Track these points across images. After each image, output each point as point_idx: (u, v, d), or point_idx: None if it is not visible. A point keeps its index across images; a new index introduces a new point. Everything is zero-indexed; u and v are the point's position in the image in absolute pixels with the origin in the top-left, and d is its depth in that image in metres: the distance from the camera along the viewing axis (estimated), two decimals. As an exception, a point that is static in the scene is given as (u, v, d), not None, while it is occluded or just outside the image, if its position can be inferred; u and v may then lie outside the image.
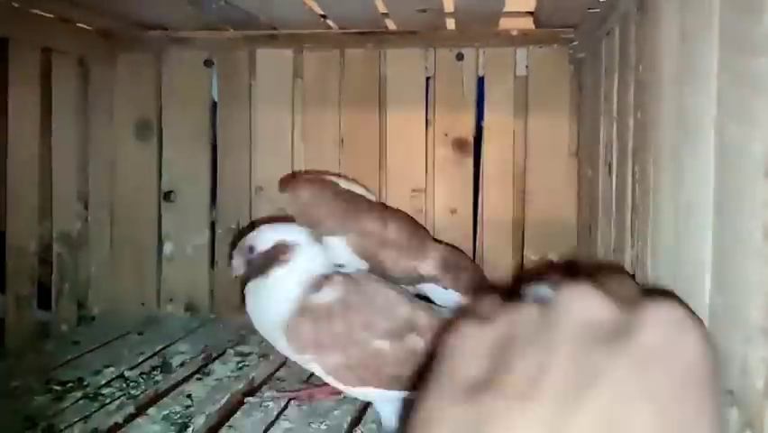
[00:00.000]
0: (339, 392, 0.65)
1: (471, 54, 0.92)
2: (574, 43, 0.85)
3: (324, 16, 0.87)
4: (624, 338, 0.25)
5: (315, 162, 0.97)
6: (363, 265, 0.73)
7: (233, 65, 0.98)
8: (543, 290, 0.33)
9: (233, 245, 0.69)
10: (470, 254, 0.93)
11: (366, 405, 0.67)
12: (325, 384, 0.64)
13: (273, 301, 0.59)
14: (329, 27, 0.92)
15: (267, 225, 0.65)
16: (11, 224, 0.81)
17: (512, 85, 0.91)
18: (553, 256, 0.91)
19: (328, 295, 0.58)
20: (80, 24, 0.92)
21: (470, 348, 0.28)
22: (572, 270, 0.89)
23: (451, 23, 0.88)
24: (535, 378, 0.24)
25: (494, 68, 0.92)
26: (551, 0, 0.73)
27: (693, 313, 0.31)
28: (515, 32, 0.88)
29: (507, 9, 0.80)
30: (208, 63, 0.99)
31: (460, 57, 0.92)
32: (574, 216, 0.90)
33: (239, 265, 0.63)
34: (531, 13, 0.85)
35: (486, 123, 0.93)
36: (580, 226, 0.88)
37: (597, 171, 0.73)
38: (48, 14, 0.85)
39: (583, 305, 0.27)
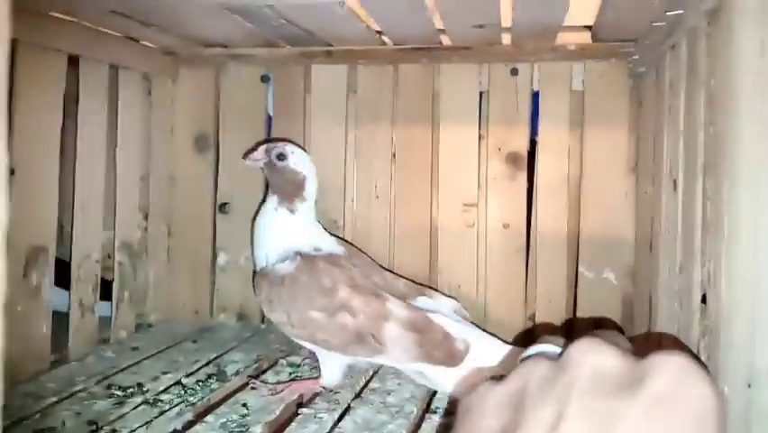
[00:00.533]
0: (318, 392, 0.74)
1: (526, 69, 0.91)
2: (634, 57, 0.83)
3: (380, 33, 0.88)
4: (635, 386, 0.26)
5: (366, 176, 0.98)
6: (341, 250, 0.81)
7: (289, 80, 1.00)
8: (548, 347, 0.35)
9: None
10: (523, 270, 0.92)
11: (421, 420, 0.66)
12: (306, 379, 0.76)
13: (261, 252, 0.78)
14: (384, 43, 0.93)
15: (303, 152, 0.80)
16: (77, 231, 0.84)
17: (568, 99, 0.90)
18: (610, 273, 0.88)
19: (286, 268, 0.73)
20: (145, 42, 0.96)
21: (487, 405, 0.30)
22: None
23: (506, 39, 0.88)
24: (553, 427, 0.26)
25: (549, 82, 0.91)
26: (611, 14, 0.72)
27: (699, 360, 0.32)
28: (572, 47, 0.87)
29: (564, 24, 0.79)
30: (265, 79, 1.01)
31: (514, 72, 0.92)
32: (632, 232, 0.88)
33: (259, 158, 0.77)
34: (589, 28, 0.84)
35: (540, 137, 0.92)
36: (638, 244, 0.86)
37: (659, 187, 0.71)
38: (116, 33, 0.89)
39: (594, 356, 0.28)
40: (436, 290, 0.87)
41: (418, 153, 0.96)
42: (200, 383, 0.76)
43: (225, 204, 1.03)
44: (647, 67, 0.80)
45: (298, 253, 0.74)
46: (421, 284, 0.86)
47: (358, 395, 0.73)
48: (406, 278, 0.84)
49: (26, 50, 0.74)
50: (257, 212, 0.82)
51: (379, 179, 0.97)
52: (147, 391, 0.72)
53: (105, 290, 0.90)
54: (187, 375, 0.78)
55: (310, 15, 0.77)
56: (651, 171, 0.77)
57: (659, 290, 0.69)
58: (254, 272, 0.81)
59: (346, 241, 0.89)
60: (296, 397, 0.73)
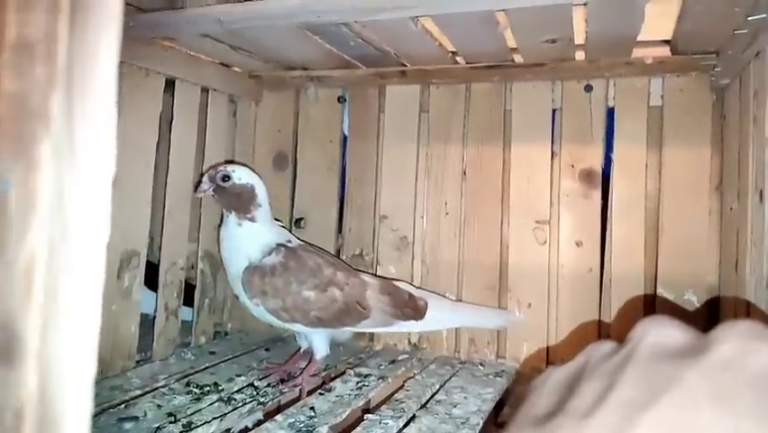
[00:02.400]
0: (318, 372, 0.84)
1: (601, 85, 0.90)
2: (716, 69, 0.80)
3: (454, 52, 0.90)
4: (697, 355, 0.25)
5: (437, 194, 0.99)
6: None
7: (364, 101, 1.04)
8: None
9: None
10: (597, 289, 0.89)
11: (484, 428, 0.65)
12: (306, 368, 0.84)
13: (241, 256, 0.82)
14: (456, 62, 0.95)
15: (243, 167, 0.87)
16: (165, 239, 0.90)
17: (645, 116, 0.88)
18: (691, 295, 0.84)
19: (273, 259, 0.80)
20: (234, 67, 1.04)
21: (548, 385, 0.31)
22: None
23: (580, 55, 0.87)
24: (601, 396, 0.25)
25: (626, 98, 0.89)
26: (690, 25, 0.71)
27: None
28: (649, 61, 0.85)
29: (640, 38, 0.78)
30: (341, 99, 1.06)
31: (588, 88, 0.91)
32: (715, 252, 0.83)
33: (207, 187, 0.83)
34: (667, 42, 0.82)
35: (616, 155, 0.90)
36: (723, 263, 0.81)
37: (745, 203, 0.68)
38: (208, 58, 0.97)
39: (656, 330, 0.28)
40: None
41: (489, 171, 0.96)
42: (271, 387, 0.78)
43: (301, 219, 1.07)
44: (730, 78, 0.77)
45: (279, 245, 0.82)
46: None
47: (423, 406, 0.73)
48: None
49: (130, 72, 0.82)
50: (218, 234, 0.88)
51: (449, 197, 0.98)
52: (222, 390, 0.76)
53: (188, 296, 0.96)
54: (260, 379, 0.81)
55: (385, 33, 0.81)
56: (736, 187, 0.73)
57: (745, 311, 0.65)
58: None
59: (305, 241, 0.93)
60: (362, 403, 0.74)
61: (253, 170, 0.88)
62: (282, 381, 0.81)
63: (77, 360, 0.23)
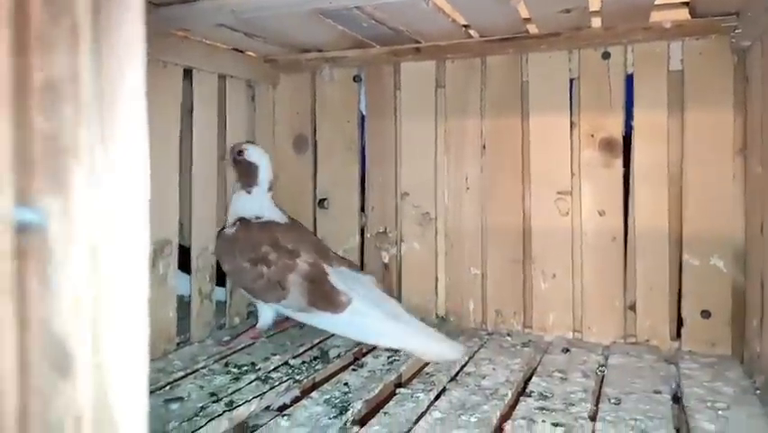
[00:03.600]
0: (257, 337, 0.92)
1: (619, 52, 0.89)
2: (737, 31, 0.79)
3: (466, 26, 0.90)
4: None
5: (457, 169, 1.00)
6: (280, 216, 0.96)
7: (380, 79, 1.04)
8: None
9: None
10: (622, 258, 0.90)
11: (516, 401, 0.68)
12: (249, 329, 0.95)
13: (227, 219, 0.95)
14: (470, 36, 0.94)
15: (258, 147, 0.96)
16: (195, 226, 0.93)
17: (665, 81, 0.87)
18: (717, 260, 0.84)
19: (231, 230, 0.92)
20: (249, 52, 1.05)
21: None
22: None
23: (596, 22, 0.86)
24: None
25: (644, 64, 0.88)
26: (709, -13, 0.69)
27: None
28: (668, 25, 0.84)
29: (658, 1, 0.77)
30: (357, 79, 1.06)
31: (606, 55, 0.90)
32: (741, 216, 0.83)
33: (228, 157, 0.95)
34: (686, 4, 0.81)
35: (636, 122, 0.89)
36: (748, 227, 0.81)
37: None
38: (224, 46, 0.98)
39: None
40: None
41: (508, 144, 0.96)
42: (305, 364, 0.81)
43: (324, 199, 1.09)
44: (752, 40, 0.76)
45: (241, 219, 0.92)
46: (351, 262, 0.98)
47: (453, 378, 0.75)
48: (339, 255, 0.97)
49: (148, 66, 0.83)
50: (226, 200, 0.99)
51: (469, 172, 0.99)
52: (259, 369, 0.79)
53: (221, 277, 0.99)
54: (294, 357, 0.84)
55: (397, 14, 0.81)
56: (759, 150, 0.73)
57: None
58: None
59: (293, 220, 0.98)
60: (393, 378, 0.76)
61: (266, 153, 0.96)
62: (223, 342, 0.91)
63: (131, 364, 0.25)
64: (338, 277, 0.87)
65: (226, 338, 0.93)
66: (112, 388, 0.25)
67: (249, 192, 0.94)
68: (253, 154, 0.94)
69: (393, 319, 0.84)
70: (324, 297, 0.85)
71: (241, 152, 0.94)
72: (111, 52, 0.24)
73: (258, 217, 0.93)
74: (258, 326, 0.94)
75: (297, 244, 0.91)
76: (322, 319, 0.86)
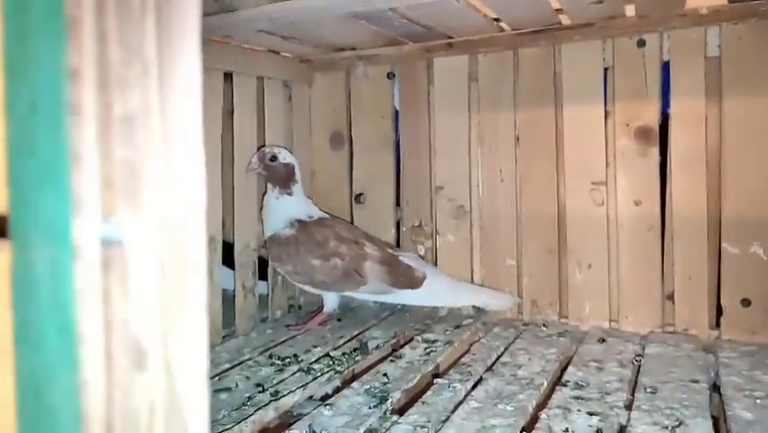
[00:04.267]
0: (326, 322, 0.98)
1: (654, 39, 0.88)
2: (777, 15, 0.77)
3: (497, 20, 0.91)
4: None
5: (491, 162, 1.01)
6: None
7: (413, 75, 1.06)
8: None
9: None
10: (659, 248, 0.89)
11: (551, 390, 0.69)
12: (313, 316, 1.00)
13: (269, 223, 0.97)
14: (502, 30, 0.95)
15: (284, 148, 0.99)
16: (237, 224, 0.97)
17: (702, 67, 0.86)
18: (757, 248, 0.83)
19: (289, 231, 0.95)
20: (285, 54, 1.08)
21: None
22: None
23: (630, 10, 0.86)
24: None
25: (681, 51, 0.87)
26: (745, -28, 0.68)
27: None
28: (704, 11, 0.82)
29: (693, -13, 0.76)
30: (390, 76, 1.08)
31: (641, 43, 0.89)
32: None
33: (256, 164, 0.95)
34: (722, -11, 0.80)
35: (673, 110, 0.88)
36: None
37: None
38: (261, 48, 1.01)
39: None
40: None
41: (542, 135, 0.97)
42: (345, 355, 0.84)
43: (360, 195, 1.11)
44: (792, 23, 0.74)
45: (296, 221, 0.95)
46: (392, 245, 1.05)
47: (489, 368, 0.77)
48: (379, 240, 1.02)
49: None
50: (262, 201, 1.00)
51: (503, 164, 1.00)
52: (301, 360, 0.83)
53: (263, 271, 1.03)
54: (335, 348, 0.87)
55: (428, 12, 0.82)
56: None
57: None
58: (264, 242, 1.00)
59: (330, 213, 1.03)
60: (431, 368, 0.79)
61: (291, 152, 1.00)
62: (289, 326, 0.98)
63: (194, 356, 0.29)
64: (405, 257, 0.97)
65: (290, 324, 0.99)
66: (178, 378, 0.28)
67: (290, 194, 0.97)
68: (287, 156, 0.97)
69: (456, 284, 0.99)
70: (404, 276, 0.94)
71: (274, 158, 0.95)
72: (173, 86, 0.27)
73: (310, 216, 0.97)
74: (325, 310, 0.99)
75: (357, 235, 0.98)
76: (402, 296, 0.95)
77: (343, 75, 1.11)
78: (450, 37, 0.98)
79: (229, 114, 0.97)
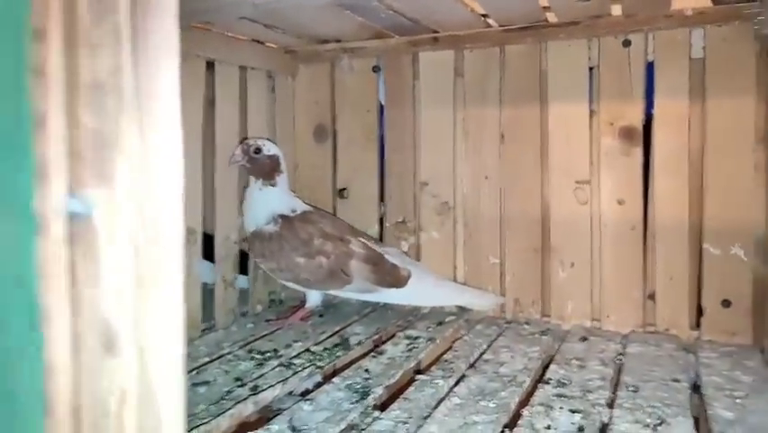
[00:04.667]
0: (308, 318, 0.97)
1: (640, 39, 0.88)
2: (760, 18, 0.78)
3: (484, 15, 0.90)
4: None
5: (476, 158, 1.00)
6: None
7: (398, 69, 1.05)
8: None
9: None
10: (641, 247, 0.90)
11: (534, 388, 0.69)
12: (295, 311, 0.98)
13: (251, 217, 0.94)
14: (489, 26, 0.94)
15: (267, 140, 0.96)
16: (218, 216, 0.95)
17: (687, 68, 0.86)
18: (738, 249, 0.84)
19: (272, 228, 0.92)
20: (269, 44, 1.06)
21: None
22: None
23: (617, 10, 0.86)
24: None
25: (665, 52, 0.87)
26: (732, -26, 0.69)
27: None
28: (689, 13, 0.83)
29: (679, -12, 0.76)
30: (376, 69, 1.07)
31: (627, 43, 0.89)
32: (763, 206, 0.82)
33: (240, 157, 0.92)
34: (708, -9, 0.80)
35: (656, 110, 0.89)
36: (769, 216, 0.81)
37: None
38: (244, 37, 0.99)
39: None
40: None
41: (527, 133, 0.96)
42: (327, 351, 0.83)
43: (344, 189, 1.10)
44: (776, 27, 0.75)
45: (279, 216, 0.93)
46: (375, 238, 1.05)
47: (472, 365, 0.76)
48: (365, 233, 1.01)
49: (173, 59, 0.85)
50: (243, 194, 0.98)
51: (488, 161, 0.99)
52: (282, 355, 0.81)
53: (244, 265, 1.01)
54: (316, 344, 0.86)
55: (415, 4, 0.81)
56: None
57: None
58: (246, 237, 0.98)
59: (314, 206, 1.02)
60: (413, 364, 0.78)
61: (274, 143, 0.98)
62: (270, 320, 0.97)
63: (170, 343, 0.27)
64: (389, 254, 0.95)
65: (271, 318, 0.98)
66: (151, 365, 0.26)
67: (273, 185, 0.94)
68: (271, 148, 0.95)
69: (441, 282, 0.98)
70: (389, 275, 0.93)
71: (258, 150, 0.93)
72: (147, 50, 0.25)
73: (293, 210, 0.95)
74: (307, 306, 0.98)
75: (342, 231, 0.96)
76: (386, 295, 0.94)
77: (328, 67, 1.10)
78: (436, 31, 0.97)
79: (210, 103, 0.95)
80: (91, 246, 0.24)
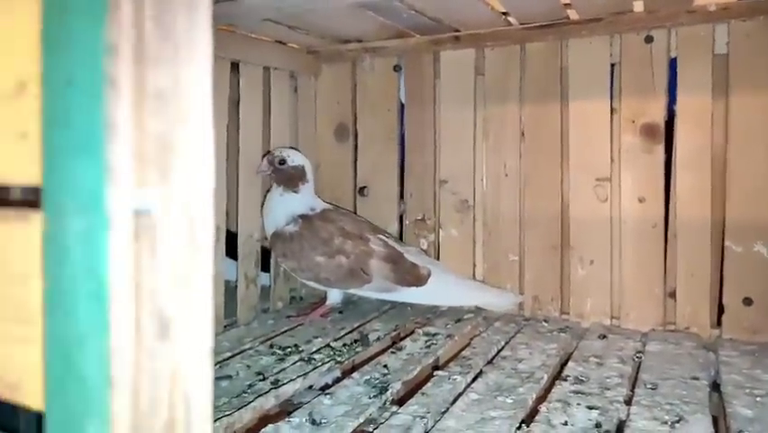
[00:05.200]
0: (327, 315, 0.98)
1: (662, 36, 0.88)
2: (786, 12, 0.77)
3: (505, 14, 0.90)
4: None
5: (496, 156, 1.00)
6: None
7: (419, 68, 1.06)
8: None
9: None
10: (662, 245, 0.89)
11: (551, 385, 0.69)
12: (316, 307, 0.99)
13: (271, 220, 0.96)
14: (510, 24, 0.95)
15: (294, 150, 0.99)
16: (241, 216, 0.97)
17: (710, 64, 0.85)
18: (761, 247, 0.83)
19: (292, 228, 0.94)
20: (291, 44, 1.08)
21: None
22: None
23: (639, 6, 0.85)
24: None
25: (688, 48, 0.87)
26: (756, -32, 0.68)
27: None
28: (713, 8, 0.82)
29: (702, -16, 0.76)
30: (397, 68, 1.08)
31: (649, 39, 0.88)
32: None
33: (266, 169, 0.95)
34: (732, -14, 0.79)
35: (679, 107, 0.88)
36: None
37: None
38: (267, 38, 1.01)
39: None
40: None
41: (547, 130, 0.96)
42: (346, 347, 0.84)
43: (364, 187, 1.11)
44: (802, 21, 0.74)
45: (299, 216, 0.95)
46: (395, 237, 1.05)
47: (490, 361, 0.77)
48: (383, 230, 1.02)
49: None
50: (264, 197, 1.00)
51: (508, 159, 1.00)
52: (302, 351, 0.83)
53: (266, 262, 1.03)
54: (335, 339, 0.87)
55: (436, 4, 0.82)
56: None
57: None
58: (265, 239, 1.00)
59: (334, 204, 1.04)
60: (431, 360, 0.79)
61: (301, 154, 0.99)
62: (290, 316, 0.98)
63: (203, 332, 0.30)
64: (409, 253, 0.96)
65: (291, 315, 0.99)
66: (189, 350, 0.29)
67: (296, 192, 0.96)
68: (296, 158, 0.97)
69: (461, 281, 0.98)
70: (409, 274, 0.93)
71: (283, 161, 0.95)
72: (197, 64, 0.28)
73: (312, 210, 0.97)
74: (327, 303, 0.99)
75: (361, 229, 0.96)
76: (406, 294, 0.94)
77: (350, 66, 1.11)
78: (457, 30, 0.98)
79: (234, 104, 0.97)
80: (152, 239, 0.27)
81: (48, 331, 0.27)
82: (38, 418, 0.29)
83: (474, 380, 0.71)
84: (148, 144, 0.26)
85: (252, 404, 0.65)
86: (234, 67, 0.95)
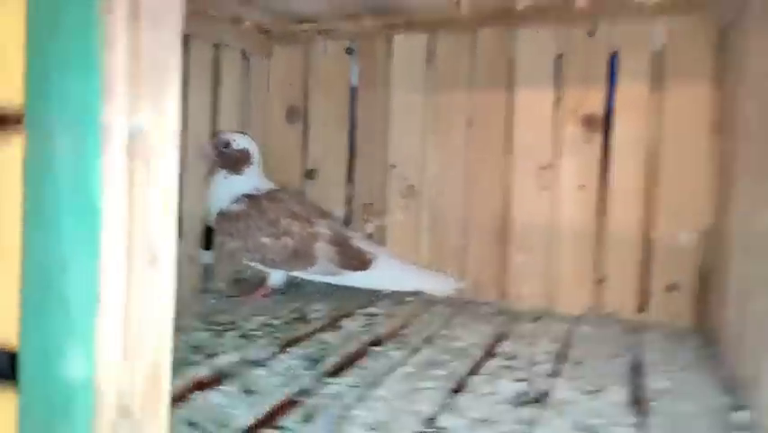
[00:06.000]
0: (268, 295, 0.97)
1: (604, 30, 0.91)
2: (719, 8, 0.81)
3: (458, 1, 0.92)
4: None
5: (444, 142, 1.02)
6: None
7: (372, 52, 1.06)
8: None
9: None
10: (596, 231, 0.92)
11: (482, 358, 0.71)
12: (258, 289, 0.99)
13: (216, 199, 0.95)
14: (462, 11, 0.96)
15: (240, 134, 0.98)
16: (186, 194, 0.95)
17: (647, 59, 0.89)
18: (686, 236, 0.87)
19: (239, 207, 0.93)
20: (245, 22, 1.06)
21: None
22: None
23: (582, 1, 0.88)
24: None
25: (628, 42, 0.90)
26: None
27: None
28: (651, 4, 0.86)
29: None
30: (349, 51, 1.08)
31: (591, 33, 0.91)
32: (712, 194, 0.85)
33: (210, 153, 0.94)
34: (669, -16, 0.83)
35: (618, 99, 0.91)
36: (719, 204, 0.83)
37: (734, 142, 0.69)
38: (219, 14, 0.99)
39: None
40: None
41: (494, 118, 0.98)
42: (286, 325, 0.84)
43: (313, 170, 1.11)
44: (733, 17, 0.77)
45: (245, 195, 0.94)
46: (342, 221, 1.07)
47: (426, 340, 0.78)
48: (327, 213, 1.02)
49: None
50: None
51: (456, 145, 1.01)
52: (240, 327, 0.82)
53: (209, 240, 1.02)
54: (275, 318, 0.87)
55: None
56: (733, 127, 0.75)
57: (735, 251, 0.68)
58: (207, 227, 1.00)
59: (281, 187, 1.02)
60: (370, 338, 0.79)
61: (247, 137, 0.98)
62: (231, 296, 0.97)
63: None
64: (355, 237, 0.96)
65: (232, 294, 0.98)
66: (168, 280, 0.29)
67: (240, 173, 0.95)
68: (241, 142, 0.95)
69: (405, 267, 0.98)
70: (354, 258, 0.93)
71: (227, 144, 0.94)
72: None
73: (258, 190, 0.96)
74: (269, 283, 0.98)
75: (308, 211, 0.96)
76: (351, 278, 0.94)
77: (302, 48, 1.11)
78: (410, 15, 0.99)
79: (186, 81, 0.95)
80: (146, 161, 0.26)
81: (27, 253, 0.25)
82: (11, 357, 0.27)
83: (410, 356, 0.72)
84: (142, 63, 0.25)
85: (185, 374, 0.64)
86: (183, 42, 0.93)
